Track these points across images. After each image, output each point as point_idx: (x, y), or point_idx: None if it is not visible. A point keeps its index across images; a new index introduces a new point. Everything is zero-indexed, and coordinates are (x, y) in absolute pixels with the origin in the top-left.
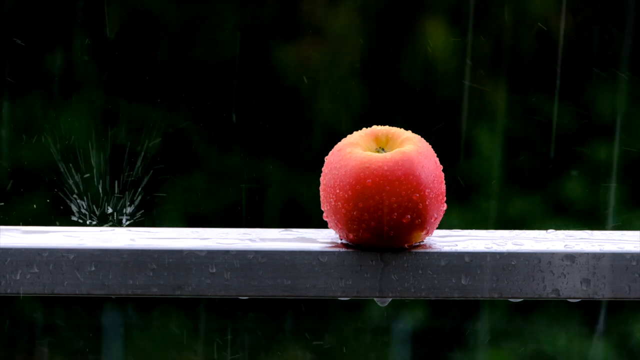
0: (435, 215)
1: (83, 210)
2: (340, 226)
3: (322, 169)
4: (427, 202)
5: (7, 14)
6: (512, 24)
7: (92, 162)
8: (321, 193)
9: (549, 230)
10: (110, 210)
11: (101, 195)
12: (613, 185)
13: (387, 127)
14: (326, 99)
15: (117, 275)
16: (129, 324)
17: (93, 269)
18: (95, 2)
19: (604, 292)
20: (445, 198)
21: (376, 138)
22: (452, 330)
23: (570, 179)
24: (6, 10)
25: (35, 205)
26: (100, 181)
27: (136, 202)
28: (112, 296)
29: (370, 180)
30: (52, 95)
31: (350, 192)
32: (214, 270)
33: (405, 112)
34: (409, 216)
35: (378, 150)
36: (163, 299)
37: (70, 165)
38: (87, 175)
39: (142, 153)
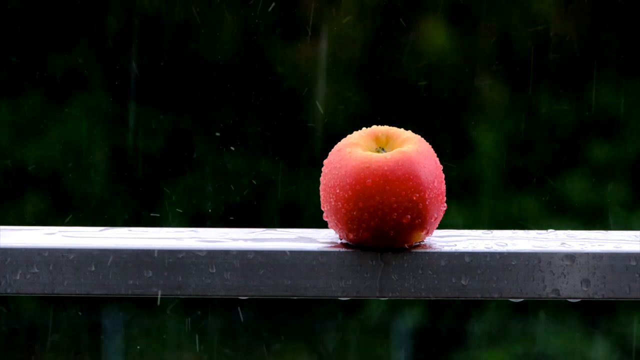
0: (435, 215)
1: (83, 210)
2: (340, 226)
3: (322, 169)
4: (427, 202)
5: (8, 14)
6: (512, 23)
7: (93, 162)
8: (321, 193)
9: (549, 230)
10: (110, 210)
11: (101, 195)
12: (613, 185)
13: (387, 127)
14: (326, 99)
15: (117, 275)
16: (129, 324)
17: (93, 269)
18: (97, 2)
19: (604, 292)
20: (445, 198)
21: (376, 138)
22: (452, 330)
23: (570, 178)
24: (8, 11)
25: (35, 205)
26: (101, 181)
27: (136, 202)
28: (112, 296)
29: (370, 180)
30: (53, 95)
31: (350, 192)
32: (214, 270)
33: (405, 111)
34: (409, 216)
35: (378, 150)
36: (163, 298)
37: (71, 165)
38: (88, 175)
39: (143, 153)
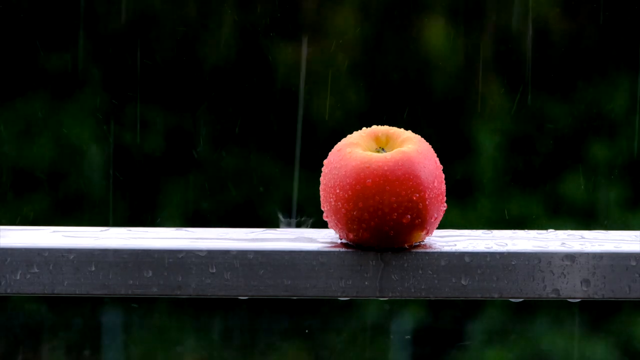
0: (435, 215)
1: (83, 211)
2: (340, 226)
3: (322, 169)
4: (427, 202)
5: (8, 14)
6: (512, 22)
7: (93, 161)
8: (321, 193)
9: (549, 230)
10: (110, 210)
11: (101, 195)
12: (613, 185)
13: (387, 127)
14: (326, 99)
15: (117, 275)
16: (129, 324)
17: (93, 269)
18: (96, 1)
19: (604, 292)
20: (445, 198)
21: (376, 138)
22: (452, 330)
23: (570, 178)
24: (8, 10)
25: (35, 205)
26: (101, 181)
27: (136, 202)
28: (112, 296)
29: (370, 180)
30: (52, 94)
31: (350, 192)
32: (214, 270)
33: (405, 111)
34: (409, 216)
35: (378, 150)
36: (163, 298)
37: (71, 165)
38: (88, 175)
39: (143, 153)
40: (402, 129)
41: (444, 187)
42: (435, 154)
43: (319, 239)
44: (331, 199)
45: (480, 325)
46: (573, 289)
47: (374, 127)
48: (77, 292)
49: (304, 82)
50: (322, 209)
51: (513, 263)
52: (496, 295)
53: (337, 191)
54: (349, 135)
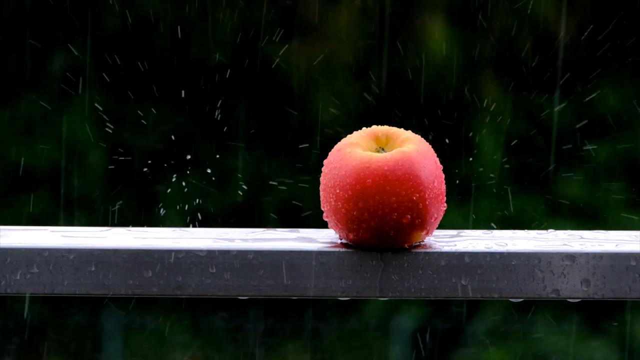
0: (435, 215)
1: (83, 210)
2: (340, 226)
3: (322, 169)
4: (427, 202)
5: (7, 15)
6: (512, 23)
7: (93, 161)
8: (321, 193)
9: (549, 230)
10: (110, 210)
11: (101, 195)
12: (613, 185)
13: (387, 127)
14: (325, 99)
15: (117, 275)
16: (129, 324)
17: (93, 269)
18: (96, 2)
19: (604, 292)
20: (445, 198)
21: (376, 138)
22: (452, 330)
23: (570, 178)
24: (6, 11)
25: (35, 205)
26: (100, 181)
27: (136, 202)
28: (112, 296)
29: (370, 180)
30: (52, 95)
31: (350, 192)
32: (214, 270)
33: (405, 112)
34: (409, 216)
35: (378, 150)
36: (163, 298)
37: (70, 165)
38: (88, 175)
39: (143, 153)
40: (402, 129)
41: (444, 187)
42: (435, 154)
43: (319, 239)
44: (331, 199)
45: (480, 325)
46: (573, 289)
47: (374, 127)
48: (77, 292)
49: (304, 81)
50: (322, 209)
51: (513, 263)
52: (496, 295)
53: (337, 191)
54: (349, 135)
